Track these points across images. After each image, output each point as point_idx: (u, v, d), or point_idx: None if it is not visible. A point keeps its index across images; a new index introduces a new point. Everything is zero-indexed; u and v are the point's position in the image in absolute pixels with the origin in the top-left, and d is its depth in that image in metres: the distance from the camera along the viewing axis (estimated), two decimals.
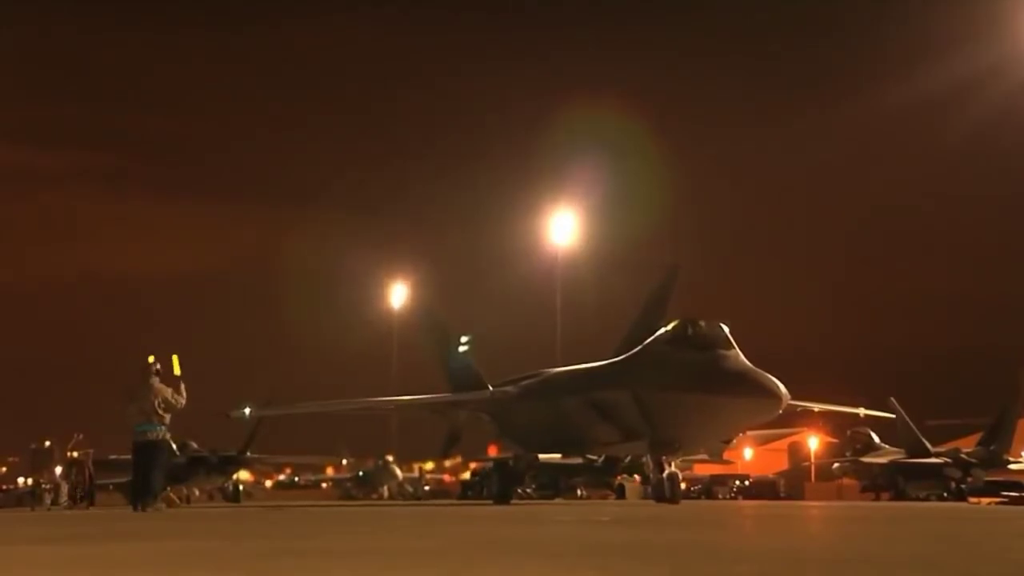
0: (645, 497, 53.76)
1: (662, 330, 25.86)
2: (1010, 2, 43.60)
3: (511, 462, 31.00)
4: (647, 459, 28.02)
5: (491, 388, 30.91)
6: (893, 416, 42.23)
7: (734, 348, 23.91)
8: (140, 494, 20.48)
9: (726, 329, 24.28)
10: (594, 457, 52.98)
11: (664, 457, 25.40)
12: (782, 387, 23.16)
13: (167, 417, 20.60)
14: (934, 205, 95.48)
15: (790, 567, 5.95)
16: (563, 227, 56.10)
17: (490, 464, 61.37)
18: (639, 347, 26.46)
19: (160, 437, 20.60)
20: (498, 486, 30.94)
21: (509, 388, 30.22)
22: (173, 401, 20.48)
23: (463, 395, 31.30)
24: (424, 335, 36.10)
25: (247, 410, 30.99)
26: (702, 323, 24.53)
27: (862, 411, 38.31)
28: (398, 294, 71.98)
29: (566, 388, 28.19)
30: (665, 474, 25.16)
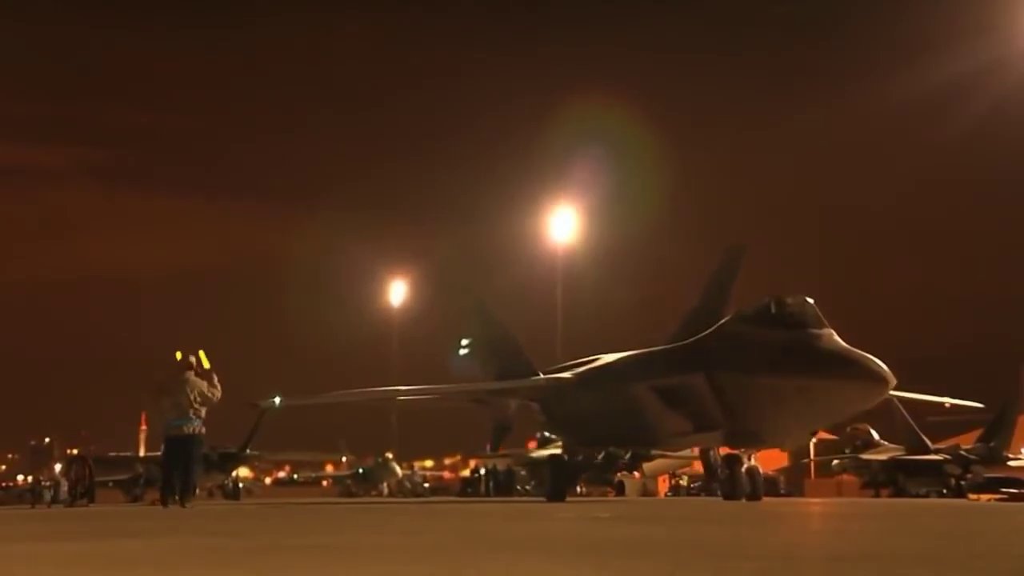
0: (644, 494, 53.81)
1: (741, 309, 23.59)
2: (1005, 2, 43.61)
3: (566, 456, 27.85)
4: (713, 453, 25.80)
5: (542, 375, 28.00)
6: (981, 406, 41.54)
7: (827, 326, 21.37)
8: (180, 490, 20.34)
9: (813, 304, 21.78)
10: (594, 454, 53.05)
11: (743, 450, 23.34)
12: (887, 369, 20.52)
13: (203, 411, 20.51)
14: (934, 200, 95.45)
15: (790, 564, 5.94)
16: (564, 224, 56.10)
17: (494, 462, 61.74)
18: (713, 328, 23.81)
19: (195, 431, 20.46)
20: (552, 482, 27.32)
21: (566, 374, 27.19)
22: (209, 394, 20.42)
23: (514, 382, 28.04)
24: (469, 324, 32.48)
25: (277, 399, 28.36)
26: (788, 299, 21.96)
27: (948, 401, 36.60)
28: (397, 291, 72.01)
29: (630, 374, 25.10)
30: (744, 468, 23.11)
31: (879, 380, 20.58)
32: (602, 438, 27.46)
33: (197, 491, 21.76)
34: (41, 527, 12.21)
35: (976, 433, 51.19)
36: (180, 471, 20.64)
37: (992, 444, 48.13)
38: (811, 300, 21.69)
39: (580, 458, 27.99)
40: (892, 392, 22.10)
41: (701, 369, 22.81)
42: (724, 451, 24.95)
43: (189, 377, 20.44)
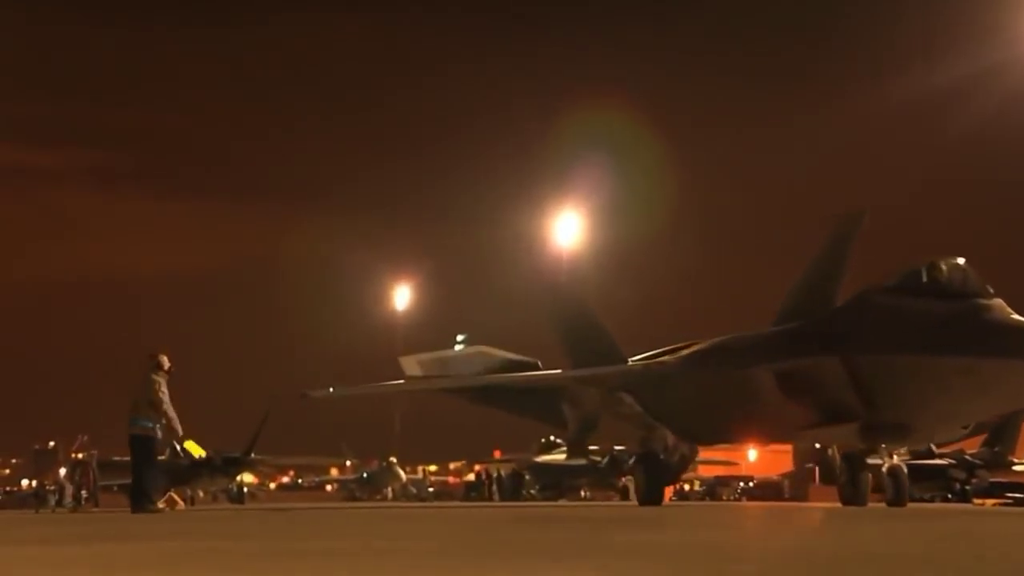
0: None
1: (881, 278, 19.98)
2: (1007, 5, 43.65)
3: (662, 454, 23.72)
4: (832, 451, 22.28)
5: (630, 361, 24.43)
6: None
7: (994, 296, 17.85)
8: (132, 494, 19.84)
9: (972, 269, 18.35)
10: (598, 458, 53.02)
11: (884, 446, 20.08)
12: None
13: (153, 413, 19.58)
14: (935, 201, 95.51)
15: (793, 567, 5.94)
16: (568, 227, 56.09)
17: (498, 466, 61.75)
18: (847, 301, 20.36)
19: (145, 432, 19.58)
20: (646, 483, 23.75)
21: (666, 358, 23.47)
22: (161, 397, 19.47)
23: (606, 369, 24.03)
24: (550, 312, 27.73)
25: (330, 389, 26.08)
26: (944, 263, 18.30)
27: None
28: (401, 294, 72.10)
29: (748, 357, 21.16)
30: (886, 468, 20.06)
31: None
32: (711, 432, 23.72)
33: (166, 497, 20.99)
34: (44, 531, 12.21)
35: (980, 437, 51.12)
36: (134, 473, 20.07)
37: (997, 449, 48.06)
38: (963, 262, 18.51)
39: (677, 457, 24.01)
40: None
41: (835, 350, 19.31)
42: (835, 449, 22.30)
43: (149, 377, 19.72)
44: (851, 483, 20.89)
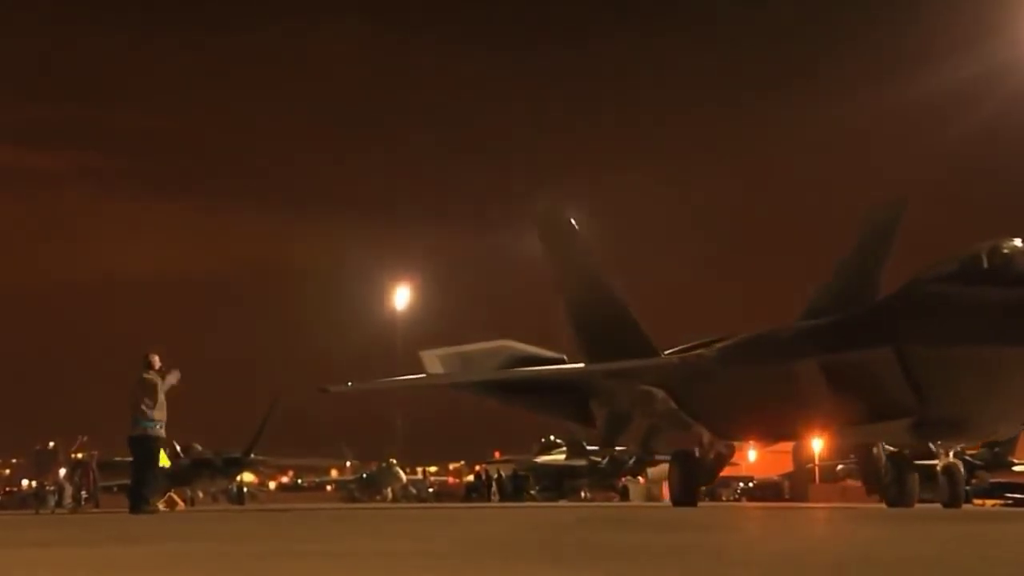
0: (650, 499, 53.78)
1: (936, 263, 18.44)
2: (1009, 7, 43.67)
3: (697, 452, 22.43)
4: (876, 450, 20.75)
5: (663, 354, 23.21)
6: None
7: None
8: (130, 496, 19.95)
9: None
10: (598, 459, 53.04)
11: (940, 443, 18.85)
12: None
13: (153, 412, 19.58)
14: (936, 204, 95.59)
15: (794, 569, 5.92)
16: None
17: (498, 467, 61.72)
18: (898, 289, 19.07)
19: (146, 433, 19.63)
20: (680, 483, 22.52)
21: (702, 351, 22.16)
22: (160, 396, 19.53)
23: (638, 362, 22.83)
24: (569, 301, 25.82)
25: (348, 384, 25.07)
26: (1005, 247, 17.06)
27: None
28: (401, 296, 72.00)
29: (792, 348, 19.88)
30: (941, 466, 18.87)
31: None
32: (751, 429, 22.57)
33: (165, 498, 20.92)
34: (44, 533, 12.19)
35: None
36: (133, 474, 20.22)
37: (996, 449, 48.05)
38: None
39: (713, 455, 22.63)
40: None
41: (888, 340, 18.00)
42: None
43: (142, 377, 19.77)
44: (896, 483, 20.09)
